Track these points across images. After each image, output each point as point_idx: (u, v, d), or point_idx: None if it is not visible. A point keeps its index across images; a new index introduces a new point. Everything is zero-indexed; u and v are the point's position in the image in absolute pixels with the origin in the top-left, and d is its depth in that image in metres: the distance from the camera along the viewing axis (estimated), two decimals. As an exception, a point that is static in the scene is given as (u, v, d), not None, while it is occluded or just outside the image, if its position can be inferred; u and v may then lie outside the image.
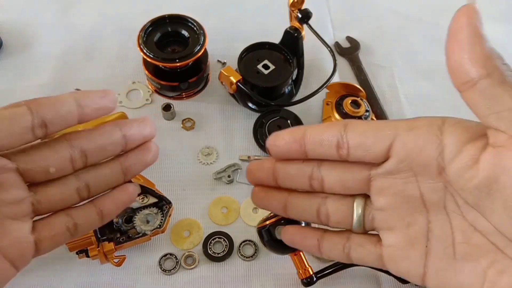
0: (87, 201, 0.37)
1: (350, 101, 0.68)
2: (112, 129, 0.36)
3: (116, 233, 0.54)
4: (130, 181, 0.39)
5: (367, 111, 0.68)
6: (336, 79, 0.71)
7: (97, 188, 0.37)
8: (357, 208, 0.32)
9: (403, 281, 0.54)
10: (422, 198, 0.29)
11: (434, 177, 0.29)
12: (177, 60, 0.64)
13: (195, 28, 0.67)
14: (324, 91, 0.70)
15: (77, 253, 0.52)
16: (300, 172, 0.33)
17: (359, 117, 0.67)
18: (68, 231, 0.36)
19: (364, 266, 0.34)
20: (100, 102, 0.36)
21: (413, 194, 0.30)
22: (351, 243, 0.33)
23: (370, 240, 0.33)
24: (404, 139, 0.29)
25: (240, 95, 0.67)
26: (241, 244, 0.58)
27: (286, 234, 0.38)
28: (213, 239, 0.58)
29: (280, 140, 0.34)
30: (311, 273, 0.53)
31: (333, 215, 0.34)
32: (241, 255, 0.58)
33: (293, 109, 0.68)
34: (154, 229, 0.54)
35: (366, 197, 0.33)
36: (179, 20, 0.68)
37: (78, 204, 0.37)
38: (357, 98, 0.68)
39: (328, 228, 0.36)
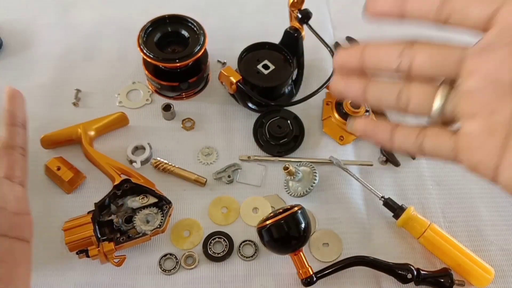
0: None
1: (350, 101, 0.68)
2: None
3: (116, 233, 0.54)
4: None
5: (367, 111, 0.68)
6: (336, 79, 0.71)
7: None
8: (442, 92, 0.31)
9: (403, 281, 0.54)
10: None
11: None
12: (177, 60, 0.64)
13: (195, 28, 0.67)
14: (324, 91, 0.70)
15: (77, 253, 0.53)
16: (391, 50, 0.32)
17: (359, 117, 0.67)
18: None
19: (436, 159, 0.33)
20: None
21: (505, 79, 0.28)
22: (425, 133, 0.32)
23: (446, 131, 0.31)
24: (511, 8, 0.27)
25: (240, 95, 0.67)
26: (241, 244, 0.58)
27: (359, 125, 0.36)
28: (213, 239, 0.58)
29: (379, 1, 0.33)
30: (311, 273, 0.53)
31: (415, 98, 0.32)
32: (241, 255, 0.58)
33: (293, 109, 0.68)
34: (154, 229, 0.54)
35: (451, 86, 0.31)
36: (179, 20, 0.68)
37: None
38: (357, 98, 0.68)
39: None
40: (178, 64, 0.64)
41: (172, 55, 0.66)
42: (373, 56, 0.33)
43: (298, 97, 0.71)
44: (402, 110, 0.33)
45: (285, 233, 0.51)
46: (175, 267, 0.56)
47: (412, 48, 0.31)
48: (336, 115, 0.68)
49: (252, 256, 0.57)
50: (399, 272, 0.54)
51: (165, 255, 0.57)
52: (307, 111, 0.69)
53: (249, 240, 0.58)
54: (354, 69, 0.34)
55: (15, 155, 0.45)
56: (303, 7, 0.67)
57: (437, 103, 0.31)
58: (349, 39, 0.79)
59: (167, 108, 0.67)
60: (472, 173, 0.30)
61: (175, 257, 0.57)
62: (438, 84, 0.31)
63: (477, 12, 0.28)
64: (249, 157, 0.65)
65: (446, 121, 0.31)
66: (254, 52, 0.70)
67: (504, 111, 0.28)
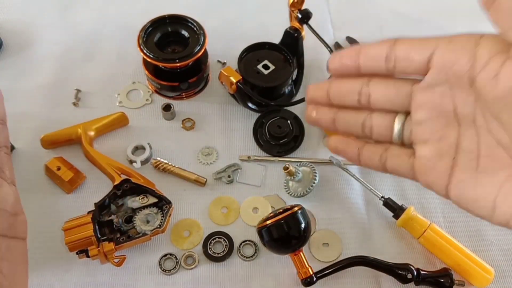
0: None
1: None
2: None
3: (116, 233, 0.54)
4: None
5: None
6: (336, 79, 0.71)
7: None
8: (398, 121, 0.35)
9: (403, 281, 0.54)
10: (456, 111, 0.32)
11: (466, 89, 0.31)
12: (177, 60, 0.64)
13: (195, 28, 0.67)
14: (324, 91, 0.70)
15: (77, 253, 0.53)
16: (351, 88, 0.36)
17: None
18: None
19: (397, 175, 0.37)
20: None
21: (448, 109, 0.32)
22: (388, 153, 0.36)
23: (406, 152, 0.35)
24: (443, 51, 0.31)
25: (240, 95, 0.67)
26: (241, 244, 0.58)
27: (331, 142, 0.40)
28: (213, 239, 0.58)
29: (337, 57, 0.37)
30: (311, 273, 0.53)
31: (376, 128, 0.36)
32: (241, 255, 0.58)
33: (293, 109, 0.68)
34: (154, 229, 0.54)
35: (407, 114, 0.35)
36: (179, 20, 0.68)
37: None
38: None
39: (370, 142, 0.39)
40: (178, 64, 0.64)
41: (172, 55, 0.66)
42: (336, 93, 0.37)
43: (298, 97, 0.71)
44: (367, 137, 0.37)
45: (285, 233, 0.51)
46: (175, 267, 0.56)
47: (368, 85, 0.35)
48: (336, 115, 0.68)
49: (252, 256, 0.57)
50: (399, 272, 0.54)
51: (165, 255, 0.57)
52: (307, 111, 0.69)
53: (249, 240, 0.58)
54: (324, 102, 0.38)
55: (1, 155, 0.43)
56: (303, 7, 0.67)
57: (395, 131, 0.35)
58: (349, 39, 0.79)
59: (167, 108, 0.67)
60: (428, 189, 0.34)
61: (175, 257, 0.57)
62: (396, 113, 0.35)
63: (417, 57, 0.32)
64: (249, 157, 0.65)
65: (406, 143, 0.36)
66: (254, 52, 0.70)
67: (450, 137, 0.32)
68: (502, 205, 0.30)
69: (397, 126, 0.35)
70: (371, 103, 0.36)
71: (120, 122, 0.67)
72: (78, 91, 0.70)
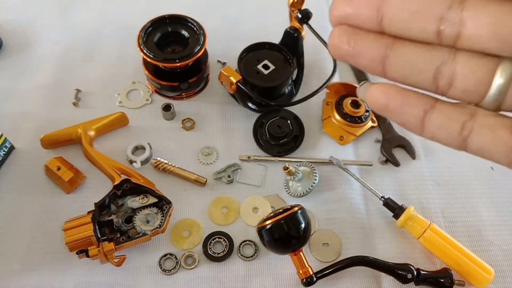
0: None
1: (350, 101, 0.68)
2: None
3: (116, 233, 0.54)
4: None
5: (367, 111, 0.68)
6: (336, 79, 0.71)
7: None
8: (503, 71, 0.21)
9: (403, 281, 0.54)
10: None
11: None
12: (177, 60, 0.64)
13: (195, 28, 0.67)
14: (324, 91, 0.70)
15: (77, 253, 0.53)
16: (430, 7, 0.21)
17: (359, 117, 0.67)
18: None
19: (485, 158, 0.23)
20: None
21: None
22: (476, 122, 0.22)
23: (504, 124, 0.22)
24: None
25: (240, 95, 0.67)
26: (241, 244, 0.58)
27: (379, 95, 0.24)
28: (213, 239, 0.58)
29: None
30: (311, 273, 0.53)
31: (462, 79, 0.22)
32: (241, 255, 0.58)
33: (293, 109, 0.68)
34: (154, 229, 0.54)
35: None
36: (179, 20, 0.68)
37: None
38: (357, 98, 0.68)
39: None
40: (178, 64, 0.64)
41: (172, 55, 0.65)
42: (397, 13, 0.22)
43: (298, 97, 0.71)
44: (440, 91, 0.23)
45: (285, 233, 0.51)
46: (175, 267, 0.56)
47: (462, 8, 0.20)
48: (336, 115, 0.68)
49: (252, 256, 0.57)
50: (399, 272, 0.54)
51: (165, 255, 0.57)
52: (307, 111, 0.69)
53: (249, 240, 0.58)
54: (369, 26, 0.23)
55: None
56: (303, 7, 0.67)
57: (495, 87, 0.21)
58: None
59: (167, 108, 0.67)
60: None
61: (175, 257, 0.57)
62: (498, 59, 0.21)
63: None
64: (249, 157, 0.65)
65: (506, 109, 0.23)
66: (254, 52, 0.70)
67: None
68: None
69: (499, 79, 0.21)
70: (462, 39, 0.21)
71: (120, 122, 0.67)
72: (78, 91, 0.70)
